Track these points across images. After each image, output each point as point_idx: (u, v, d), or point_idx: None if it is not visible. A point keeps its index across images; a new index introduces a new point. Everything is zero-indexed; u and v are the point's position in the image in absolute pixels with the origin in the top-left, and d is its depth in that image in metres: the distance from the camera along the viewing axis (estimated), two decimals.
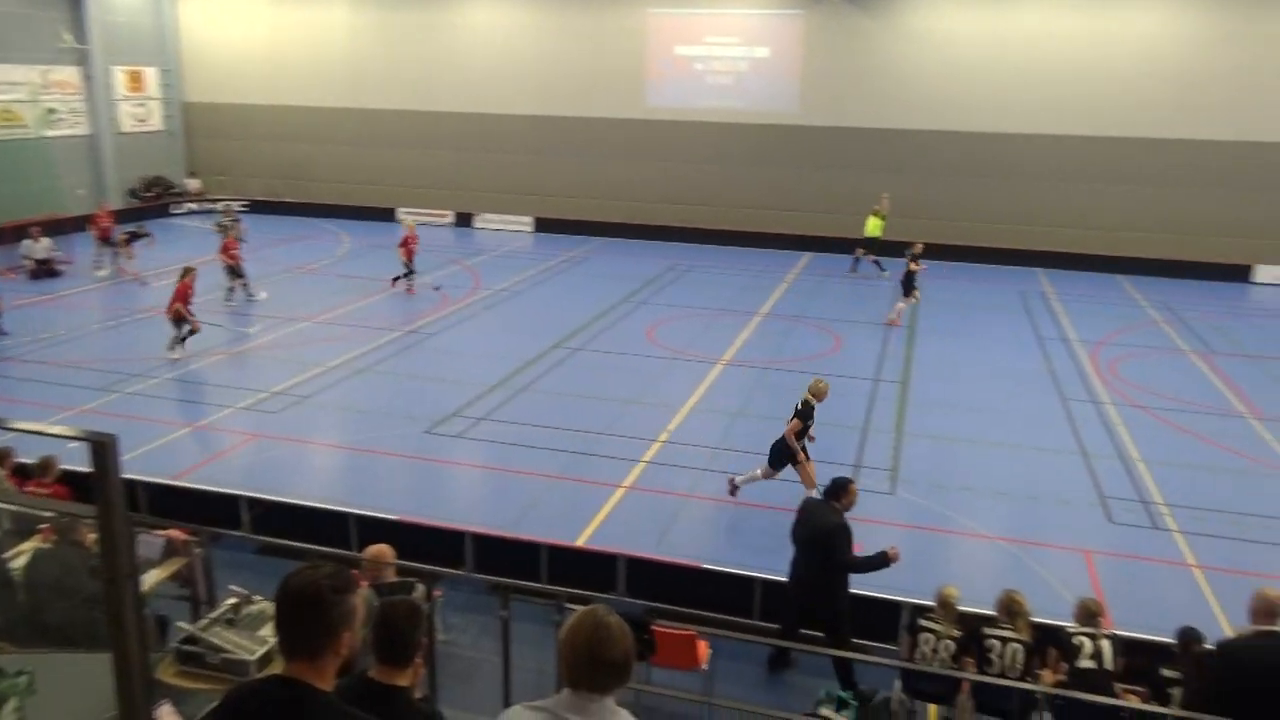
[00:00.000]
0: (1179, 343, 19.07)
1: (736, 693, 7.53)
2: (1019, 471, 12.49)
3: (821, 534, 7.63)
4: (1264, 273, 24.82)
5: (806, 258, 26.67)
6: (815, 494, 9.64)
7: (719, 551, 9.92)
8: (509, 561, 9.19)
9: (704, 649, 7.44)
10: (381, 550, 6.82)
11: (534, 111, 29.52)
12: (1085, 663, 6.71)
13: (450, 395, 14.71)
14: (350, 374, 15.76)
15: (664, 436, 13.32)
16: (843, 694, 7.19)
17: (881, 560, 7.62)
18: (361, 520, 9.70)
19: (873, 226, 24.12)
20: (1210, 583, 9.79)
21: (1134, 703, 6.60)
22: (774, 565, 8.94)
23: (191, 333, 16.25)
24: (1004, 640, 6.96)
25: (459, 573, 9.13)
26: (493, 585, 8.49)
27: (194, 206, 31.69)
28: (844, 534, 7.63)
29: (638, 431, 13.43)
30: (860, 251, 24.37)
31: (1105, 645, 6.77)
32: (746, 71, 27.93)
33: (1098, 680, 6.61)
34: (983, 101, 25.81)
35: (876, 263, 24.07)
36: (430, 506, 10.88)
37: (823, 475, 11.84)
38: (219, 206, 29.99)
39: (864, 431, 13.68)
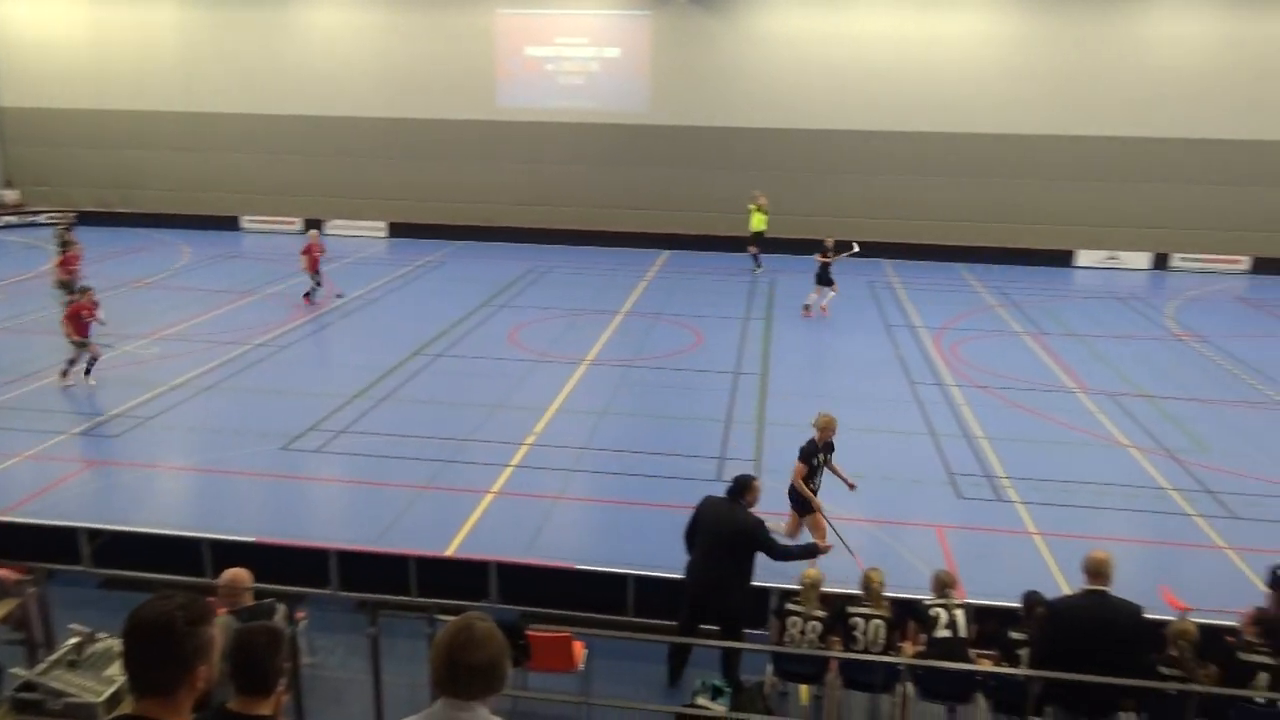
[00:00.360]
0: (1013, 325, 20.31)
1: (614, 690, 7.56)
2: (874, 454, 13.00)
3: (740, 533, 7.58)
4: (1084, 257, 26.78)
5: (664, 255, 27.02)
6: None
7: (591, 551, 9.93)
8: (377, 577, 8.96)
9: (579, 650, 7.44)
10: (238, 574, 6.52)
11: (383, 114, 28.78)
12: (942, 632, 7.08)
13: (306, 409, 14.19)
14: (196, 392, 14.99)
15: (530, 439, 13.25)
16: (718, 682, 7.34)
17: (813, 550, 7.79)
18: (215, 545, 9.21)
19: (757, 221, 24.68)
20: (1050, 548, 10.48)
21: (987, 666, 7.03)
22: (648, 560, 9.04)
23: (71, 362, 15.00)
24: (867, 617, 7.26)
25: (324, 592, 8.84)
26: (360, 602, 8.27)
27: (12, 219, 29.37)
28: (765, 529, 7.70)
29: (504, 436, 13.31)
30: (753, 249, 24.85)
31: (959, 614, 7.16)
32: (598, 72, 28.07)
33: (954, 648, 6.99)
34: (824, 100, 26.76)
35: (755, 258, 24.65)
36: (290, 525, 10.49)
37: (691, 469, 12.11)
38: (43, 219, 27.98)
39: (727, 423, 13.99)
